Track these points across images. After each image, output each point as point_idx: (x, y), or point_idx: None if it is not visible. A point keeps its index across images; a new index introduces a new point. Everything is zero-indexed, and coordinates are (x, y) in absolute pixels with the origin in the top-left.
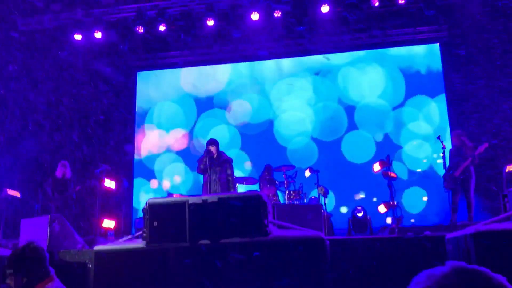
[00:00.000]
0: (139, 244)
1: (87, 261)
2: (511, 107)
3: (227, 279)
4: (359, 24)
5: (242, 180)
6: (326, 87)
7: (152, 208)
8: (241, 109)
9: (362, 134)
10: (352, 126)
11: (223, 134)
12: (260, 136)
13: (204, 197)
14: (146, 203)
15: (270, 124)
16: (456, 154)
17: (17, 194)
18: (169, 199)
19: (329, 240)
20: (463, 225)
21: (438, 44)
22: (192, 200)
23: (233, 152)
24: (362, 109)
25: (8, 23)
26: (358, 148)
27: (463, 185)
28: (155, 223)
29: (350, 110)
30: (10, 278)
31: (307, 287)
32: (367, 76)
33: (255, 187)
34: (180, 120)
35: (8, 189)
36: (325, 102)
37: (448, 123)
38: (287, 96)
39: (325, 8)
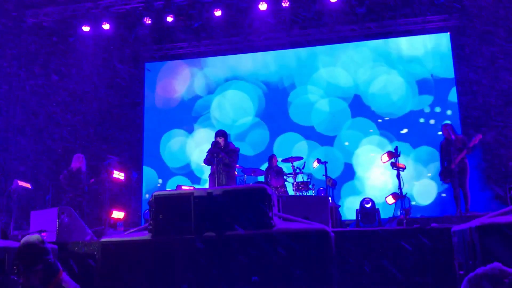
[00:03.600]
0: (145, 236)
1: (95, 253)
2: None
3: (231, 271)
4: (368, 14)
5: (250, 171)
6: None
7: (158, 201)
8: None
9: None
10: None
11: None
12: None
13: (209, 190)
14: (151, 196)
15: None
16: (447, 146)
17: (27, 185)
18: (174, 192)
19: (337, 232)
20: (470, 217)
21: (449, 33)
22: (197, 193)
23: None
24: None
25: (17, 15)
26: None
27: (459, 177)
28: (160, 216)
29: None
30: (25, 274)
31: (311, 280)
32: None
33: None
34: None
35: (18, 181)
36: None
37: (458, 112)
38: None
39: None
